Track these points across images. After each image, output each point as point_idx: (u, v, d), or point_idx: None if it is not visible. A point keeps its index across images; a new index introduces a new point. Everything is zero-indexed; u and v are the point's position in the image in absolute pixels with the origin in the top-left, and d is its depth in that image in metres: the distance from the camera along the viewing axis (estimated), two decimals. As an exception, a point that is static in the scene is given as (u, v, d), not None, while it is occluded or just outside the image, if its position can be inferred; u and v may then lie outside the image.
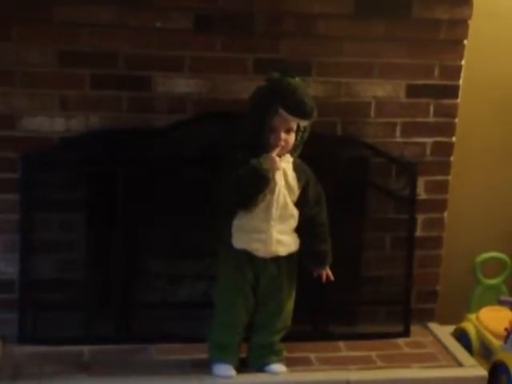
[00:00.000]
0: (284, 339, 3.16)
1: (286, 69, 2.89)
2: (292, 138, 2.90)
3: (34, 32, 3.05)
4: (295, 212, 2.97)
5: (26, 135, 3.11)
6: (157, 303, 3.38)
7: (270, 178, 2.84)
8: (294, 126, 2.88)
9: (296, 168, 2.97)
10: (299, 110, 2.83)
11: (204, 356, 3.10)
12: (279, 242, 2.94)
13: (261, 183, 2.84)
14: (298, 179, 2.96)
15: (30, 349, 3.12)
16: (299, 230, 3.00)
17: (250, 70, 3.19)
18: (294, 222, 2.98)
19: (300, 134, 2.91)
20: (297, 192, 2.97)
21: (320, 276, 3.07)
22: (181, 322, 3.27)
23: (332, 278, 3.07)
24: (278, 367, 3.09)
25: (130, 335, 3.22)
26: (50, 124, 3.12)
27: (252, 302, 3.01)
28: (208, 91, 3.19)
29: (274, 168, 2.86)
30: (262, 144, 2.87)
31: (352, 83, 3.29)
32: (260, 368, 3.08)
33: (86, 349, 3.15)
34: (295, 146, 2.94)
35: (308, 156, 3.10)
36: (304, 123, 2.88)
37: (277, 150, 2.87)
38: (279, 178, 2.91)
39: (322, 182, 3.09)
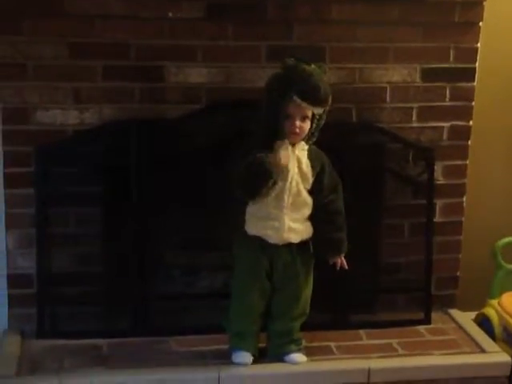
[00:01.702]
0: (304, 328, 3.15)
1: (301, 56, 2.87)
2: (307, 125, 2.88)
3: (45, 25, 3.04)
4: (309, 200, 2.96)
5: (39, 128, 3.10)
6: (175, 295, 3.37)
7: (272, 172, 2.81)
8: (309, 114, 2.86)
9: (311, 156, 2.95)
10: (313, 97, 2.81)
11: (223, 347, 3.10)
12: (292, 229, 2.94)
13: (263, 176, 2.81)
14: (313, 167, 2.95)
15: (48, 343, 3.12)
16: (314, 218, 2.98)
17: (263, 58, 3.17)
18: (307, 211, 2.97)
19: (315, 121, 2.89)
20: (311, 180, 2.95)
21: (335, 264, 3.05)
22: (199, 313, 3.26)
23: (346, 266, 3.05)
24: (298, 357, 3.08)
25: (149, 328, 3.21)
26: (63, 117, 3.12)
27: (268, 289, 3.00)
28: (221, 80, 3.17)
29: (279, 164, 2.83)
30: (278, 131, 2.86)
31: (367, 68, 3.27)
32: (279, 358, 3.07)
33: (104, 342, 3.15)
34: (310, 134, 2.92)
35: (324, 143, 3.08)
36: (318, 110, 2.86)
37: (292, 139, 2.86)
38: (292, 165, 2.90)
39: (338, 169, 3.08)
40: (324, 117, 2.90)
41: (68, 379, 2.91)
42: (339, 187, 3.02)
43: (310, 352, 3.12)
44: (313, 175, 2.96)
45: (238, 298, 3.02)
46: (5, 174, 3.13)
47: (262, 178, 2.82)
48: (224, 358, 3.06)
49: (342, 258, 3.05)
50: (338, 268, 3.05)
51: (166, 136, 3.11)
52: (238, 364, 3.02)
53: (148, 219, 3.18)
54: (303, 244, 3.00)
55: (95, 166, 3.14)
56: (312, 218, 2.99)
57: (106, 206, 3.22)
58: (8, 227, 3.17)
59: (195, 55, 3.15)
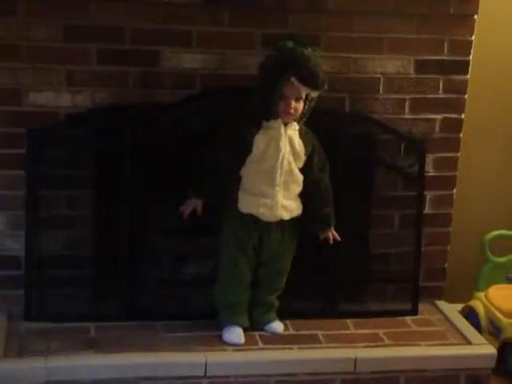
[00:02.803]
0: (292, 316, 3.23)
1: (298, 39, 2.94)
2: (301, 105, 2.96)
3: (40, 6, 3.02)
4: (300, 178, 3.05)
5: (32, 110, 3.09)
6: (163, 280, 3.36)
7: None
8: (303, 95, 2.94)
9: (302, 135, 3.04)
10: (312, 80, 2.90)
11: (210, 333, 3.12)
12: (283, 206, 3.04)
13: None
14: (305, 146, 3.04)
15: (35, 325, 3.11)
16: (305, 194, 3.08)
17: (258, 46, 3.17)
18: (298, 188, 3.06)
19: (308, 103, 2.97)
20: (303, 158, 3.04)
21: (327, 238, 3.14)
22: (187, 299, 3.26)
23: (339, 238, 3.14)
24: (278, 326, 3.19)
25: (137, 312, 3.21)
26: (56, 99, 3.10)
27: (254, 263, 3.11)
28: (216, 66, 3.16)
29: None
30: (270, 111, 2.94)
31: (361, 59, 3.27)
32: (261, 327, 3.17)
33: (92, 326, 3.14)
34: (302, 115, 2.99)
35: (316, 132, 3.09)
36: (315, 93, 2.94)
37: (286, 119, 2.95)
38: (284, 145, 2.98)
39: (330, 159, 3.11)
40: (315, 99, 2.98)
41: (55, 362, 2.91)
42: (327, 165, 3.12)
43: (297, 340, 3.14)
44: (305, 154, 3.04)
45: (228, 272, 3.12)
46: (-4, 155, 3.13)
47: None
48: (211, 344, 3.07)
49: (333, 232, 3.14)
50: (331, 242, 3.13)
51: (159, 121, 3.10)
52: (230, 344, 3.06)
53: (138, 204, 3.18)
54: (292, 222, 3.08)
55: (87, 150, 3.13)
56: (302, 195, 3.08)
57: (97, 190, 3.20)
58: (-3, 209, 3.17)
59: (190, 41, 3.14)
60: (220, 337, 3.10)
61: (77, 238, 3.23)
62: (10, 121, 3.08)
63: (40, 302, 3.18)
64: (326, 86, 2.93)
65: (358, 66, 3.27)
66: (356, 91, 3.29)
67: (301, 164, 3.04)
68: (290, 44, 2.91)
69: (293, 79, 2.88)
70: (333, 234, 3.14)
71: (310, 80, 2.89)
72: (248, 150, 2.98)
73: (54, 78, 3.08)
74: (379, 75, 3.30)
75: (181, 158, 3.19)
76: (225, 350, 3.05)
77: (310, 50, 2.91)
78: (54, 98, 3.10)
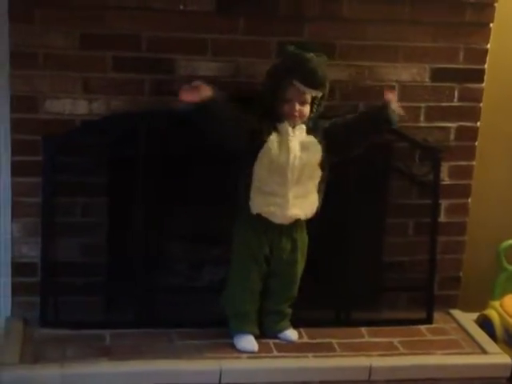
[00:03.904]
0: (306, 325, 3.22)
1: (302, 44, 2.98)
2: (306, 109, 2.99)
3: (57, 14, 3.04)
4: (316, 174, 3.04)
5: (48, 118, 3.10)
6: (178, 288, 3.38)
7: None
8: (308, 98, 2.97)
9: (310, 130, 3.03)
10: (310, 80, 2.93)
11: (225, 340, 3.12)
12: (296, 205, 3.02)
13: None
14: (315, 136, 3.03)
15: (51, 332, 3.12)
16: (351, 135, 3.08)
17: (273, 54, 3.17)
18: (312, 183, 3.05)
19: (315, 107, 2.99)
20: (320, 149, 3.02)
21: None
22: (202, 306, 3.26)
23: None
24: (292, 334, 3.19)
25: (151, 319, 3.22)
26: (72, 107, 3.11)
27: (265, 272, 3.11)
28: (230, 74, 3.17)
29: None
30: (278, 115, 2.97)
31: (376, 67, 3.27)
32: (274, 335, 3.17)
33: (107, 333, 3.15)
34: (310, 118, 3.01)
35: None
36: (316, 93, 2.96)
37: (291, 121, 2.96)
38: (294, 145, 2.98)
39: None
40: (323, 103, 3.01)
41: (71, 369, 2.92)
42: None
43: (312, 348, 3.14)
44: (320, 142, 3.02)
45: (238, 281, 3.12)
46: (12, 162, 3.13)
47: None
48: (225, 352, 3.07)
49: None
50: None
51: (174, 128, 3.11)
52: (244, 351, 3.07)
53: (153, 211, 3.18)
54: (303, 231, 3.11)
55: (103, 157, 3.14)
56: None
57: (112, 197, 3.22)
58: (14, 215, 3.18)
59: (205, 49, 3.15)
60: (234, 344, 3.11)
61: (92, 245, 3.24)
62: (26, 128, 3.10)
63: (55, 308, 3.19)
64: (327, 87, 2.95)
65: (373, 74, 3.27)
66: (371, 99, 3.26)
67: (320, 154, 3.01)
68: (293, 48, 2.95)
69: (295, 82, 2.92)
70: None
71: (308, 80, 2.92)
72: (261, 145, 2.97)
73: (71, 85, 3.10)
74: (394, 83, 3.30)
75: (195, 165, 3.20)
76: (239, 358, 3.06)
77: (311, 54, 2.93)
78: (70, 106, 3.11)
